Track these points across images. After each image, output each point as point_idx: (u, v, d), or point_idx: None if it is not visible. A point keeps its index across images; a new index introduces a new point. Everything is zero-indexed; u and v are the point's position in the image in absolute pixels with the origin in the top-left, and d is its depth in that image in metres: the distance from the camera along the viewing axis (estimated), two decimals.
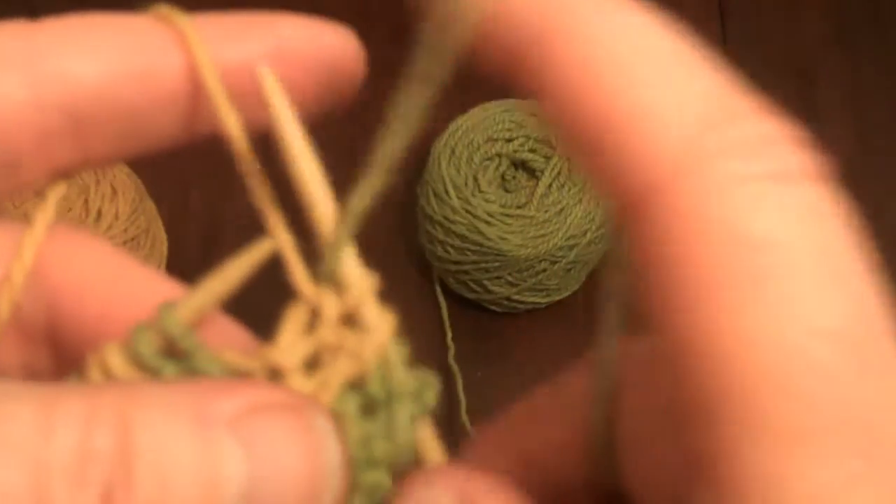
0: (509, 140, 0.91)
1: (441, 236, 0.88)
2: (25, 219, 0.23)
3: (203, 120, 0.23)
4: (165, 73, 0.22)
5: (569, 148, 0.20)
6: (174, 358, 0.22)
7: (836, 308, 0.17)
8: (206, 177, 0.97)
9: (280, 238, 0.23)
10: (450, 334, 0.91)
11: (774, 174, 0.18)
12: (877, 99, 1.02)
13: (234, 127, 0.23)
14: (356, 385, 0.22)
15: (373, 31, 1.29)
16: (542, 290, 0.91)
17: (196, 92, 0.23)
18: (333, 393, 0.21)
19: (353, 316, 0.22)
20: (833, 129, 0.99)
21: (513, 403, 0.26)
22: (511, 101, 0.92)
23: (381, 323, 0.22)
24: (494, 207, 0.87)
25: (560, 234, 0.87)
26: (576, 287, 0.93)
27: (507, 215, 0.87)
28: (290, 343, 0.22)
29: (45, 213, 0.23)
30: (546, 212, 0.87)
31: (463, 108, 0.92)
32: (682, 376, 0.18)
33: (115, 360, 0.21)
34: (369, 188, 0.22)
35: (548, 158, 0.90)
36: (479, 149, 0.90)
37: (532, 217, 0.87)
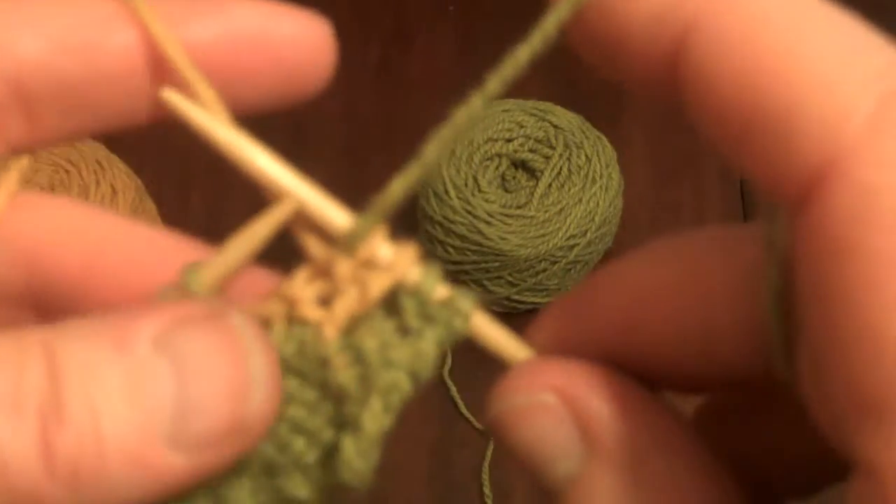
0: (509, 140, 0.91)
1: (441, 236, 0.88)
2: None
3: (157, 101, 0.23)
4: (112, 48, 0.22)
5: (731, 136, 0.19)
6: None
7: None
8: (206, 177, 0.97)
9: (298, 197, 0.23)
10: None
11: None
12: None
13: (205, 90, 0.23)
14: (392, 311, 0.22)
15: (373, 31, 1.28)
16: (542, 290, 0.91)
17: (153, 69, 0.22)
18: (339, 321, 0.22)
19: (370, 261, 0.22)
20: None
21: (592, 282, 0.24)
22: (511, 101, 0.92)
23: (401, 252, 0.22)
24: (494, 207, 0.87)
25: (560, 234, 0.87)
26: None
27: (507, 215, 0.87)
28: (305, 279, 0.22)
29: (8, 182, 0.23)
30: (546, 212, 0.87)
31: None
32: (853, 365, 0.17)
33: None
34: (408, 178, 0.22)
35: (548, 158, 0.90)
36: (479, 149, 0.90)
37: (532, 217, 0.87)
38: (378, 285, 0.22)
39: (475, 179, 0.89)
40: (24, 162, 0.24)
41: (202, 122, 0.23)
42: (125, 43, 0.22)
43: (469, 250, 0.88)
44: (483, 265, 0.88)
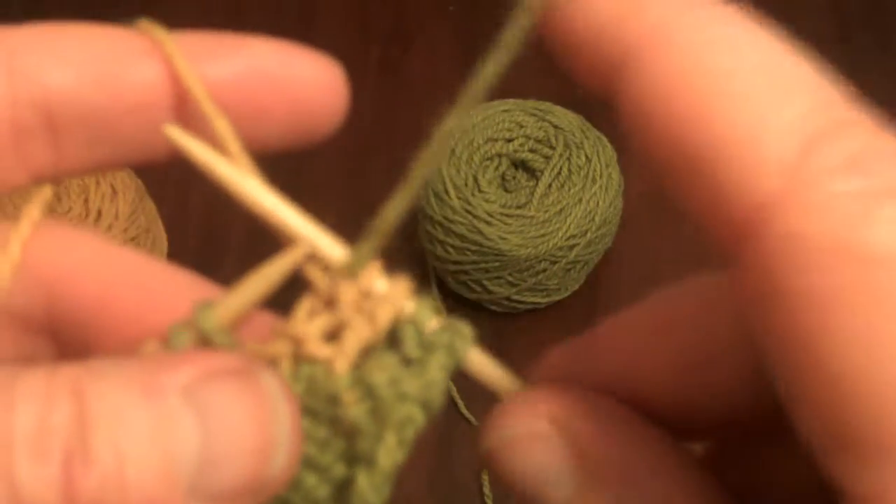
0: (509, 140, 0.91)
1: (441, 236, 0.88)
2: (12, 218, 0.24)
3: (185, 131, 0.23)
4: (136, 81, 0.23)
5: (661, 165, 0.19)
6: None
7: None
8: (205, 177, 0.97)
9: (304, 239, 0.23)
10: None
11: (886, 190, 0.17)
12: (877, 99, 1.02)
13: (223, 126, 0.23)
14: (393, 345, 0.23)
15: (373, 31, 1.29)
16: (542, 290, 0.91)
17: (175, 104, 0.23)
18: (351, 356, 0.22)
19: (369, 293, 0.23)
20: None
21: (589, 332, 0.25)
22: (511, 101, 0.92)
23: (395, 286, 0.23)
24: (494, 207, 0.87)
25: (560, 234, 0.87)
26: (576, 287, 0.93)
27: (507, 215, 0.87)
28: (307, 315, 0.23)
29: (31, 211, 0.24)
30: (546, 212, 0.87)
31: None
32: (807, 400, 0.18)
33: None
34: (400, 203, 0.22)
35: (548, 158, 0.90)
36: (479, 149, 0.90)
37: (532, 217, 0.87)
38: (385, 316, 0.22)
39: (475, 179, 0.89)
40: (47, 191, 0.24)
41: (202, 157, 0.23)
42: (150, 77, 0.23)
43: (469, 250, 0.87)
44: (483, 265, 0.88)
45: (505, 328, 0.94)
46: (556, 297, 0.92)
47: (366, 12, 1.07)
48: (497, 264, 0.87)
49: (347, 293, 0.22)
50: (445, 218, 0.88)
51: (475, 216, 0.87)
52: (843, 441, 0.17)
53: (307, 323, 0.22)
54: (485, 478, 0.86)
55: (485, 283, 0.90)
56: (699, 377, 0.22)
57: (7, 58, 0.22)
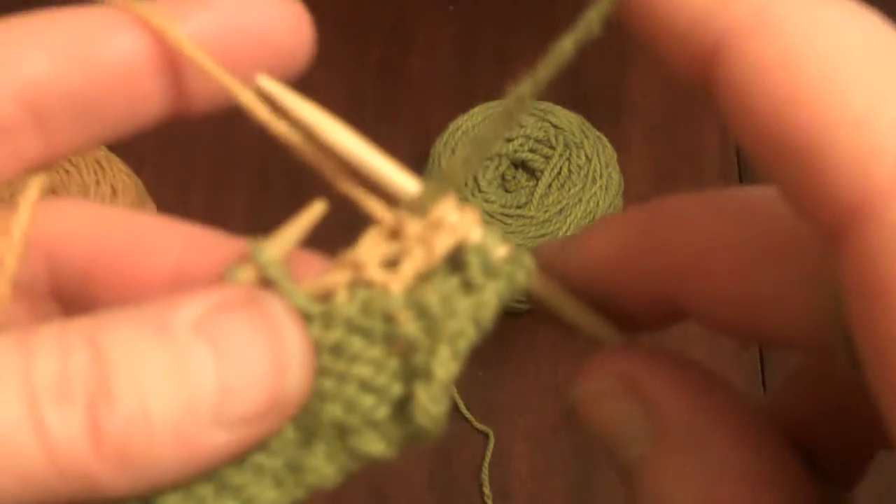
0: (509, 140, 0.91)
1: None
2: (9, 205, 0.24)
3: (165, 98, 0.24)
4: (114, 54, 0.23)
5: (761, 155, 0.19)
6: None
7: None
8: (206, 177, 0.97)
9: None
10: None
11: None
12: None
13: (229, 81, 0.23)
14: (456, 269, 0.23)
15: (373, 31, 1.28)
16: None
17: (157, 70, 0.23)
18: (406, 279, 0.23)
19: (438, 223, 0.23)
20: None
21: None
22: None
23: (463, 216, 0.23)
24: (494, 207, 0.87)
25: (560, 234, 0.86)
26: None
27: (507, 215, 0.87)
28: (370, 246, 0.23)
29: (30, 197, 0.24)
30: (546, 212, 0.87)
31: (463, 108, 0.92)
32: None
33: None
34: (485, 142, 0.23)
35: (548, 158, 0.90)
36: None
37: (532, 217, 0.87)
38: (443, 244, 0.23)
39: (475, 179, 0.89)
40: (42, 179, 0.25)
41: (296, 106, 0.24)
42: (126, 46, 0.23)
43: None
44: None
45: (505, 328, 0.94)
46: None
47: (366, 12, 1.07)
48: None
49: (412, 226, 0.23)
50: None
51: None
52: None
53: (368, 251, 0.23)
54: (485, 478, 0.86)
55: None
56: (754, 293, 0.22)
57: None
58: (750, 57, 0.18)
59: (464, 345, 0.23)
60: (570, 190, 0.88)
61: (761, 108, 0.18)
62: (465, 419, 0.88)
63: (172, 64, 0.23)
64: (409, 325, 0.22)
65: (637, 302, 0.25)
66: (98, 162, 0.88)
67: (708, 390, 0.23)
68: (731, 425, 0.22)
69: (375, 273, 0.23)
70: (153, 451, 0.20)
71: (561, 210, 0.87)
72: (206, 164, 0.97)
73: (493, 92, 0.93)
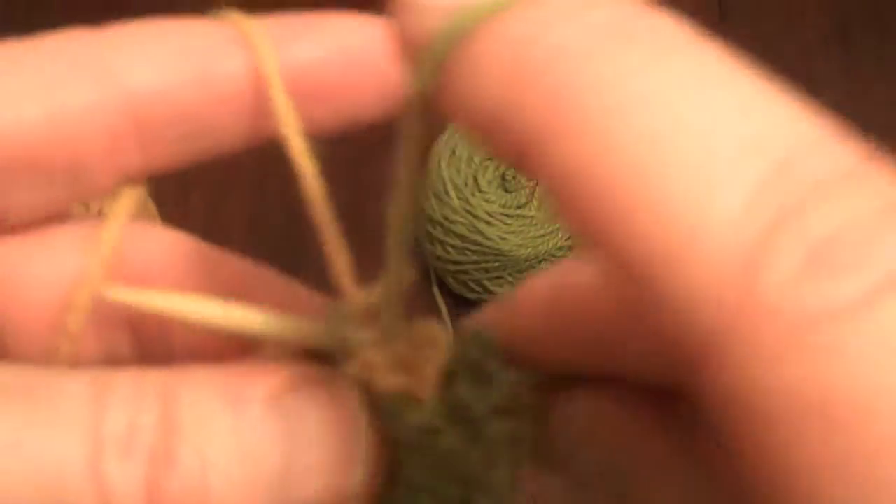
0: None
1: (441, 236, 0.88)
2: (98, 218, 0.24)
3: (266, 122, 0.23)
4: (226, 76, 0.22)
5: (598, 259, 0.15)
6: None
7: None
8: (206, 177, 0.97)
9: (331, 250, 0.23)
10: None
11: (862, 298, 0.12)
12: (877, 99, 1.02)
13: (293, 129, 0.23)
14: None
15: None
16: None
17: (259, 94, 0.23)
18: (431, 382, 0.21)
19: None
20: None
21: None
22: None
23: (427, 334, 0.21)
24: (494, 207, 0.87)
25: (560, 234, 0.87)
26: None
27: (507, 215, 0.87)
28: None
29: (121, 210, 0.24)
30: (546, 212, 0.87)
31: None
32: None
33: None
34: (395, 277, 0.21)
35: None
36: (479, 148, 0.90)
37: (532, 217, 0.87)
38: (434, 369, 0.21)
39: (475, 179, 0.89)
40: (135, 191, 0.24)
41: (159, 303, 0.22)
42: (236, 68, 0.22)
43: (469, 250, 0.87)
44: (483, 265, 0.88)
45: None
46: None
47: (365, 12, 1.07)
48: (497, 264, 0.87)
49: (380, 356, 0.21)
50: (445, 218, 0.88)
51: (475, 216, 0.87)
52: None
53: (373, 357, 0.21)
54: None
55: (485, 283, 0.90)
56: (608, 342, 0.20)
57: (98, 65, 0.22)
58: (559, 167, 0.15)
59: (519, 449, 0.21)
60: None
61: (580, 209, 0.15)
62: None
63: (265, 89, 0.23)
64: (449, 437, 0.20)
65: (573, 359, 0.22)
66: None
67: None
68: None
69: (391, 378, 0.21)
70: None
71: None
72: (206, 164, 0.97)
73: None
